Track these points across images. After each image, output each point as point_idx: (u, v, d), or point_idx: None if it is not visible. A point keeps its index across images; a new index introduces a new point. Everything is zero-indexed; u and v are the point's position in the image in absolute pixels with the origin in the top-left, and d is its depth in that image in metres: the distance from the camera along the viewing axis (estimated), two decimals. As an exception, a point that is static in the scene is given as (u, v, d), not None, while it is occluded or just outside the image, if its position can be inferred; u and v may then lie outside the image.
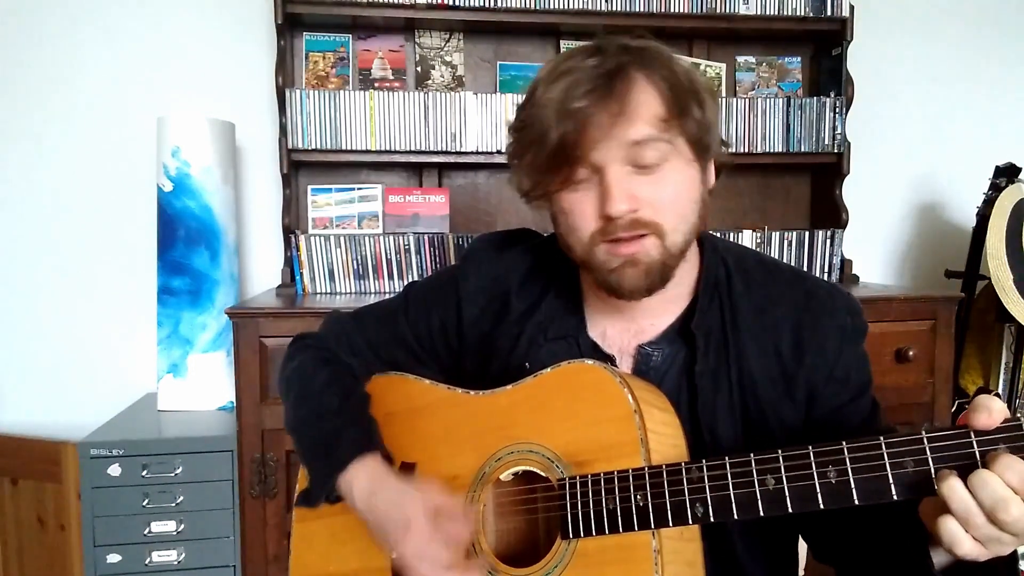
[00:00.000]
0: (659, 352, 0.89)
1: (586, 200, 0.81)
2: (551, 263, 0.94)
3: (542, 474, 0.82)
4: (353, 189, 2.14)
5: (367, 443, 0.91)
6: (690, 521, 0.71)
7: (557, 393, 0.82)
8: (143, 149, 2.11)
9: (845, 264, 2.25)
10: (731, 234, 2.18)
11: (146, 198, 2.09)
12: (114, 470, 1.69)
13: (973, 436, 0.61)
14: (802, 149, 2.22)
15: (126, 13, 2.14)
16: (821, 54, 2.34)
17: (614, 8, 2.09)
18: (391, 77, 2.20)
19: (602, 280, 0.84)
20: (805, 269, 2.19)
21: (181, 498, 1.72)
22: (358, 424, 0.93)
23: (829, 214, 2.30)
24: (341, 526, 0.93)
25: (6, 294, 2.17)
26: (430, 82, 2.20)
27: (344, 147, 2.04)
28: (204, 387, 1.95)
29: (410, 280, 2.04)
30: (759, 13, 2.17)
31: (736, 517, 0.69)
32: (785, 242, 2.21)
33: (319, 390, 0.96)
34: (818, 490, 0.66)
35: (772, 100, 2.21)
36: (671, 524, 0.72)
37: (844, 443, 0.66)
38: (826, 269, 2.24)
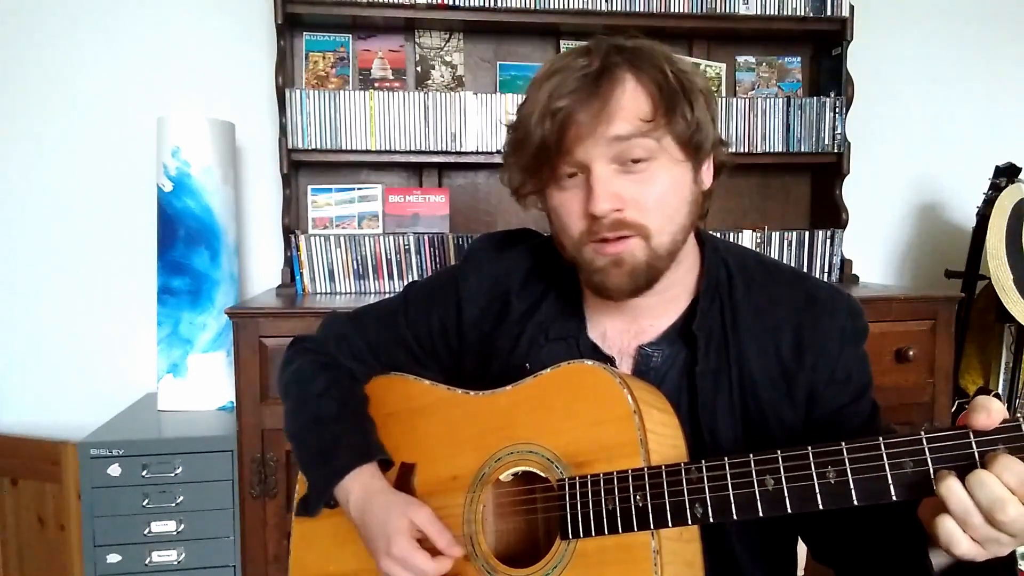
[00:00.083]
0: (659, 353, 0.89)
1: (574, 199, 0.82)
2: (552, 263, 0.94)
3: (542, 474, 0.82)
4: (353, 189, 2.14)
5: (364, 452, 0.91)
6: (689, 522, 0.71)
7: (557, 394, 0.82)
8: (143, 149, 2.11)
9: (845, 264, 2.25)
10: (731, 234, 2.18)
11: (146, 198, 2.09)
12: (114, 470, 1.69)
13: (972, 437, 0.61)
14: (802, 149, 2.22)
15: (126, 13, 2.14)
16: (821, 54, 2.34)
17: (614, 8, 2.09)
18: (391, 77, 2.20)
19: (588, 279, 0.85)
20: (805, 269, 2.20)
21: (181, 498, 1.72)
22: (356, 431, 0.94)
23: (829, 214, 2.30)
24: (341, 527, 0.93)
25: (6, 294, 2.17)
26: (430, 82, 2.20)
27: (344, 147, 2.04)
28: (204, 387, 1.95)
29: (410, 280, 2.04)
30: (759, 13, 2.17)
31: (736, 518, 0.69)
32: (785, 242, 2.21)
33: (317, 396, 0.96)
34: (817, 491, 0.66)
35: (772, 100, 2.21)
36: (670, 525, 0.72)
37: (843, 444, 0.66)
38: (826, 269, 2.24)
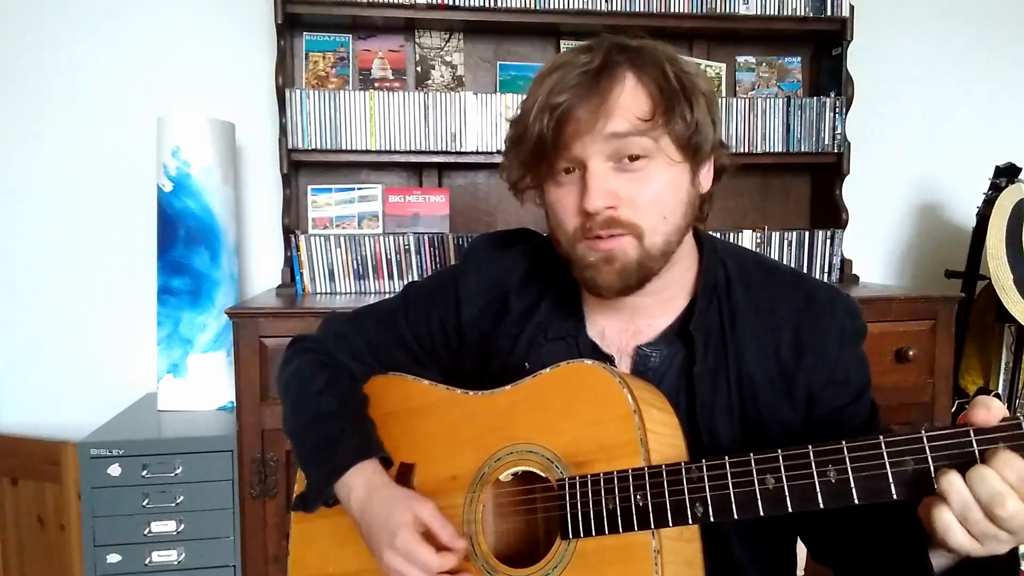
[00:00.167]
0: (657, 353, 0.89)
1: (570, 195, 0.82)
2: (550, 263, 0.94)
3: (541, 474, 0.82)
4: (353, 189, 2.14)
5: (365, 448, 0.91)
6: (690, 521, 0.71)
7: (556, 393, 0.82)
8: (143, 149, 2.11)
9: (845, 264, 2.25)
10: (731, 234, 2.18)
11: (146, 198, 2.09)
12: (114, 470, 1.69)
13: (972, 435, 0.61)
14: (802, 149, 2.22)
15: (126, 13, 2.14)
16: (821, 54, 2.34)
17: (614, 8, 2.09)
18: (391, 77, 2.20)
19: (580, 275, 0.85)
20: (805, 269, 2.20)
21: (181, 498, 1.72)
22: (356, 429, 0.93)
23: (829, 214, 2.29)
24: (341, 527, 0.93)
25: (6, 294, 2.17)
26: (430, 82, 2.20)
27: (344, 147, 2.04)
28: (204, 387, 1.95)
29: (410, 280, 2.04)
30: (759, 13, 2.17)
31: (736, 517, 0.69)
32: (785, 242, 2.21)
33: (317, 393, 0.96)
34: (818, 489, 0.66)
35: (772, 100, 2.21)
36: (671, 524, 0.72)
37: (844, 442, 0.66)
38: (826, 269, 2.24)
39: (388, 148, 2.05)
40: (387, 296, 1.14)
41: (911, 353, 1.89)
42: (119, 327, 2.19)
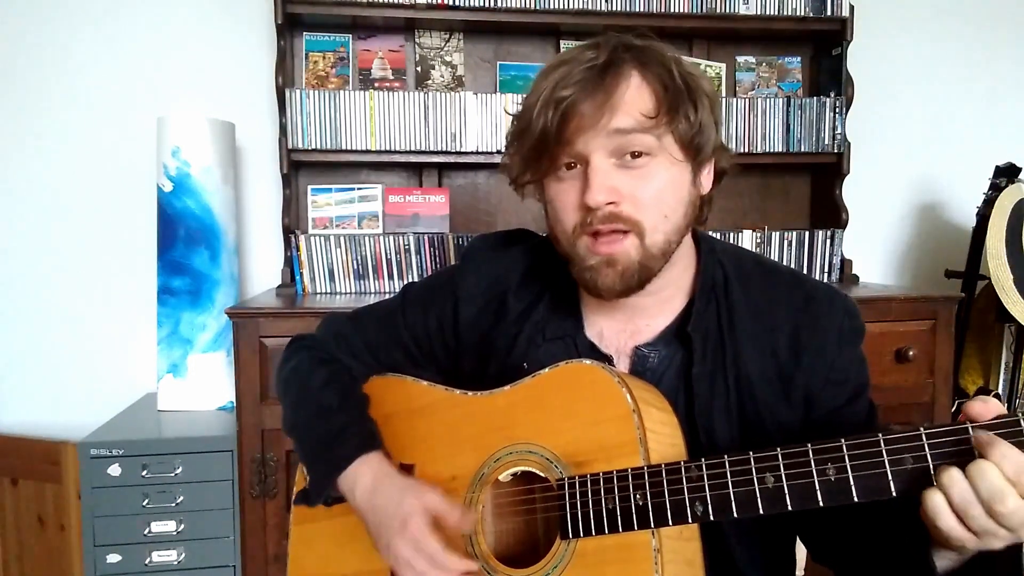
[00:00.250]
0: (656, 354, 0.89)
1: (571, 191, 0.82)
2: (549, 263, 0.94)
3: (541, 474, 0.82)
4: (353, 189, 2.14)
5: (370, 440, 0.91)
6: (690, 520, 0.71)
7: (555, 393, 0.82)
8: (143, 149, 2.11)
9: (845, 264, 2.25)
10: (731, 234, 2.18)
11: (146, 198, 2.09)
12: (114, 470, 1.69)
13: (971, 431, 0.61)
14: (802, 149, 2.22)
15: (126, 13, 2.14)
16: (821, 54, 2.34)
17: (614, 8, 2.09)
18: (391, 77, 2.20)
19: (579, 275, 0.85)
20: (805, 269, 2.20)
21: (181, 498, 1.72)
22: (359, 422, 0.93)
23: (829, 214, 2.29)
24: (341, 528, 0.93)
25: (6, 294, 2.17)
26: (430, 82, 2.20)
27: (344, 147, 2.04)
28: (204, 387, 1.95)
29: (410, 280, 2.04)
30: (759, 13, 2.17)
31: (736, 515, 0.69)
32: (785, 242, 2.21)
33: (318, 389, 0.96)
34: (817, 487, 0.66)
35: (772, 100, 2.21)
36: (671, 523, 0.72)
37: (843, 440, 0.66)
38: (826, 269, 2.24)
39: (388, 148, 2.05)
40: (387, 296, 1.14)
41: (911, 353, 1.89)
42: (119, 327, 2.19)
